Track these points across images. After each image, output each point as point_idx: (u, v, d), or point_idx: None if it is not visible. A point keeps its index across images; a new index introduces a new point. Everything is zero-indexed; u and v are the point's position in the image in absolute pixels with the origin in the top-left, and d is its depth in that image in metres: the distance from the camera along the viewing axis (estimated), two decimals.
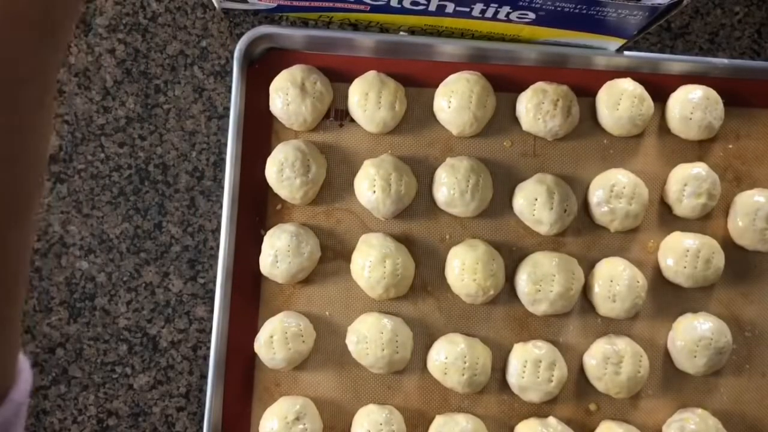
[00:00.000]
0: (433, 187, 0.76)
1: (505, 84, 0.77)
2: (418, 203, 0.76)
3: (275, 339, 0.73)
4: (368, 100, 0.75)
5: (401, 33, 0.79)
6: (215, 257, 0.78)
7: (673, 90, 0.77)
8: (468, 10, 0.71)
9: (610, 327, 0.76)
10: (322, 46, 0.77)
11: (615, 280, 0.74)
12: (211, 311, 0.75)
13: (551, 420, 0.73)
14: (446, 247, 0.76)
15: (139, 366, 0.79)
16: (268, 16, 0.80)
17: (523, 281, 0.74)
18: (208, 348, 0.75)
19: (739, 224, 0.76)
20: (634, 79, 0.76)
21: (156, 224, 0.80)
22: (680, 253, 0.74)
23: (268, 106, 0.76)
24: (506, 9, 0.70)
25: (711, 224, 0.78)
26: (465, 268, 0.73)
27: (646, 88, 0.76)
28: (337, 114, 0.77)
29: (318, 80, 0.75)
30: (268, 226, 0.76)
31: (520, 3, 0.68)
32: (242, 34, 0.76)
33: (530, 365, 0.73)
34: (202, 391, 0.78)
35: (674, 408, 0.76)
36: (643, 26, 0.71)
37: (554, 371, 0.73)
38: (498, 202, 0.76)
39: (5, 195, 0.37)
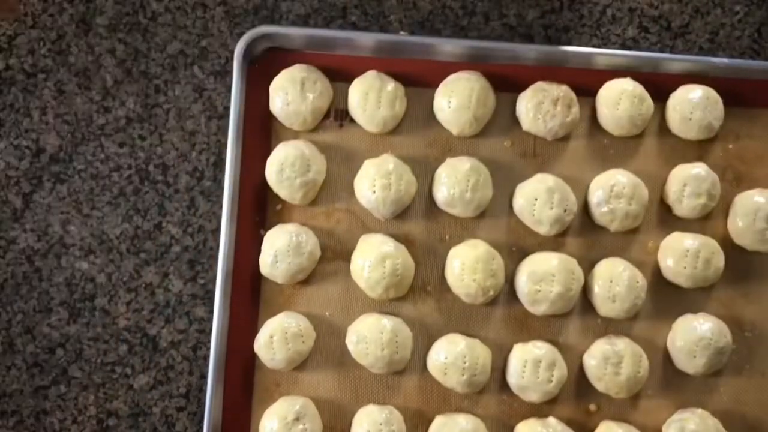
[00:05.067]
0: (433, 187, 0.76)
1: (505, 84, 0.77)
2: (418, 203, 0.76)
3: (275, 339, 0.73)
4: (368, 100, 0.75)
5: (401, 33, 0.79)
6: (215, 257, 0.78)
7: (673, 90, 0.77)
8: None
9: (610, 327, 0.76)
10: (322, 46, 0.77)
11: (615, 281, 0.74)
12: (211, 311, 0.75)
13: (551, 420, 0.73)
14: (446, 247, 0.76)
15: (139, 366, 0.79)
16: (269, 16, 0.80)
17: (523, 281, 0.74)
18: (208, 348, 0.75)
19: (739, 224, 0.76)
20: (634, 79, 0.76)
21: (156, 224, 0.80)
22: (680, 254, 0.74)
23: (268, 106, 0.76)
24: None
25: (711, 224, 0.77)
26: (465, 268, 0.73)
27: (646, 88, 0.76)
28: (337, 114, 0.77)
29: (318, 80, 0.75)
30: (268, 226, 0.76)
31: None
32: (242, 33, 0.76)
33: (530, 365, 0.73)
34: (202, 391, 0.78)
35: (674, 408, 0.76)
36: None
37: (554, 371, 0.73)
38: (498, 202, 0.76)
39: None
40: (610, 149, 0.78)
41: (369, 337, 0.72)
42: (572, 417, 0.75)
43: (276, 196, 0.76)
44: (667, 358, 0.76)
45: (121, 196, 0.80)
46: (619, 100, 0.75)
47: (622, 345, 0.73)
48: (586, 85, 0.77)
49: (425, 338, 0.75)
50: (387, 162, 0.74)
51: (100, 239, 0.79)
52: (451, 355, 0.72)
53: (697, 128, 0.76)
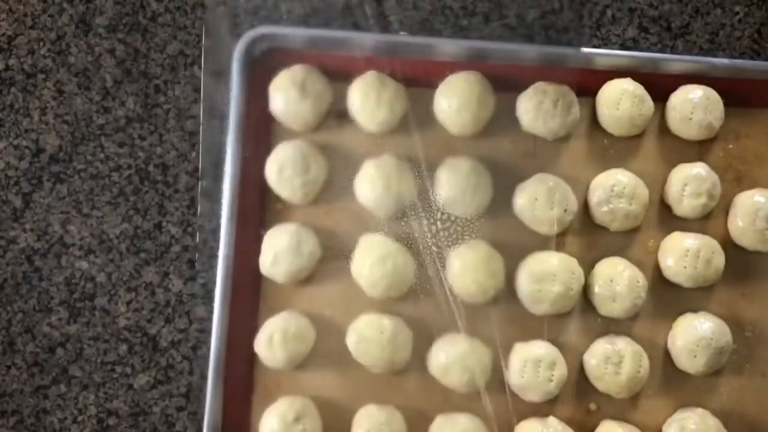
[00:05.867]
0: (434, 188, 0.76)
1: (505, 84, 0.77)
2: (419, 203, 0.76)
3: (275, 339, 0.73)
4: (368, 100, 0.75)
5: (401, 33, 0.79)
6: (215, 257, 0.78)
7: (673, 90, 0.77)
8: None
9: (611, 327, 0.76)
10: (322, 46, 0.77)
11: (615, 280, 0.74)
12: (211, 311, 0.75)
13: (551, 420, 0.73)
14: (447, 246, 0.76)
15: (139, 366, 0.79)
16: (268, 16, 0.80)
17: (523, 281, 0.74)
18: (208, 348, 0.74)
19: (740, 224, 0.76)
20: (634, 79, 0.76)
21: (156, 224, 0.80)
22: (680, 253, 0.74)
23: (268, 106, 0.76)
24: None
25: (711, 224, 0.77)
26: (465, 268, 0.73)
27: (646, 88, 0.76)
28: (337, 114, 0.77)
29: (318, 80, 0.75)
30: (268, 226, 0.76)
31: None
32: (242, 34, 0.76)
33: (530, 365, 0.73)
34: (202, 391, 0.78)
35: (674, 408, 0.76)
36: None
37: (554, 371, 0.73)
38: (498, 202, 0.76)
39: None
40: (610, 149, 0.78)
41: (369, 336, 0.72)
42: (572, 417, 0.75)
43: (276, 196, 0.76)
44: (667, 357, 0.76)
45: (121, 195, 0.80)
46: (620, 100, 0.75)
47: (623, 344, 0.73)
48: (586, 85, 0.77)
49: (426, 338, 0.75)
50: (387, 162, 0.74)
51: (99, 239, 0.79)
52: (452, 355, 0.72)
53: (697, 128, 0.76)
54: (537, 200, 0.74)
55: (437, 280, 0.76)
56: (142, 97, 0.81)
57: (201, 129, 0.78)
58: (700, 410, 0.75)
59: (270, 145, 0.77)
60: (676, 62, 0.78)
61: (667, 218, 0.78)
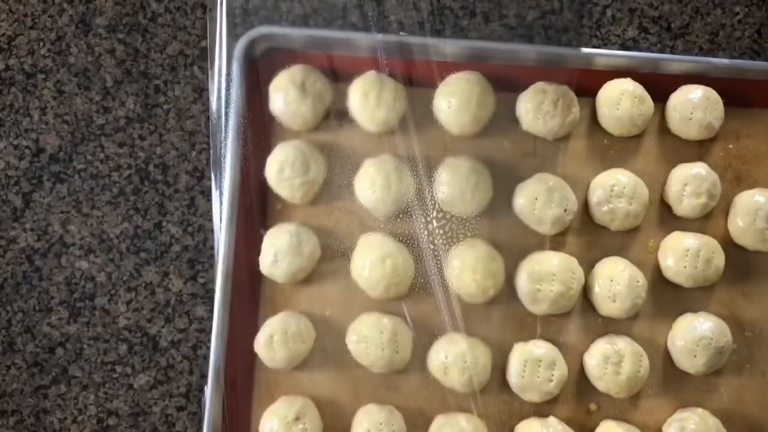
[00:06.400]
0: (434, 187, 0.76)
1: (505, 84, 0.77)
2: (418, 203, 0.76)
3: (275, 339, 0.73)
4: (368, 100, 0.75)
5: (401, 33, 0.79)
6: (215, 257, 0.78)
7: (673, 90, 0.77)
8: None
9: (610, 327, 0.76)
10: (322, 46, 0.77)
11: (615, 280, 0.74)
12: (211, 311, 0.75)
13: (551, 420, 0.73)
14: (446, 246, 0.76)
15: (139, 366, 0.79)
16: (269, 16, 0.80)
17: (523, 281, 0.74)
18: (208, 348, 0.74)
19: (740, 224, 0.76)
20: (634, 79, 0.76)
21: (156, 224, 0.80)
22: (680, 253, 0.74)
23: (268, 106, 0.76)
24: None
25: (711, 224, 0.78)
26: (465, 268, 0.73)
27: (646, 88, 0.76)
28: (337, 114, 0.77)
29: (318, 80, 0.75)
30: (268, 226, 0.76)
31: None
32: (242, 34, 0.76)
33: (530, 365, 0.73)
34: (202, 390, 0.78)
35: (674, 408, 0.76)
36: None
37: (554, 371, 0.73)
38: (498, 202, 0.76)
39: None
40: (611, 149, 0.78)
41: (369, 336, 0.72)
42: (573, 417, 0.75)
43: (276, 196, 0.76)
44: (667, 357, 0.76)
45: (121, 195, 0.80)
46: (620, 100, 0.75)
47: (623, 344, 0.73)
48: (586, 85, 0.77)
49: (425, 338, 0.75)
50: (387, 162, 0.74)
51: (100, 239, 0.79)
52: (452, 355, 0.72)
53: (697, 128, 0.76)
54: (537, 200, 0.74)
55: (437, 279, 0.76)
56: (142, 97, 0.81)
57: (201, 129, 0.78)
58: (700, 410, 0.75)
59: (270, 145, 0.77)
60: (676, 62, 0.78)
61: (667, 218, 0.78)
